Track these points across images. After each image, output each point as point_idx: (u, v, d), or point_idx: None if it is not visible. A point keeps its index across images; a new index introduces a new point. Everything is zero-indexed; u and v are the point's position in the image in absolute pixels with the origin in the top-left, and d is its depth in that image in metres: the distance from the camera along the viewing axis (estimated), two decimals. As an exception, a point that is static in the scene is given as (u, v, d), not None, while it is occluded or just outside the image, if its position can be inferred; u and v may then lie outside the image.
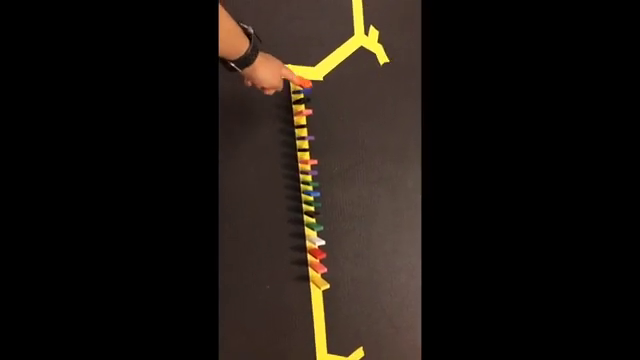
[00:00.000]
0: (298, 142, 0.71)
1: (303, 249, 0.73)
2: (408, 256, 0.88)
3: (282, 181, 0.71)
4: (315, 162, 0.68)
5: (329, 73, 0.74)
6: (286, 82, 0.68)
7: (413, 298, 0.89)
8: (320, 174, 0.73)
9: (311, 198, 0.69)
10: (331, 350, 0.76)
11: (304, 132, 0.69)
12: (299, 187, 0.72)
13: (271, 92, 0.54)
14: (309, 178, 0.69)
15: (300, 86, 0.60)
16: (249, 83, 0.52)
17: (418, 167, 0.87)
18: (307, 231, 0.73)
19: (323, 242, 0.70)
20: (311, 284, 0.74)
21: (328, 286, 0.70)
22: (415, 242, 0.88)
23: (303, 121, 0.70)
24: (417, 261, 0.89)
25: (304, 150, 0.70)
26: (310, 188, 0.68)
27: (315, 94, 0.72)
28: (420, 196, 0.88)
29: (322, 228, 0.70)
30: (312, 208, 0.70)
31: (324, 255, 0.69)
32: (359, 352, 0.81)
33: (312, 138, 0.68)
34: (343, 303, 0.78)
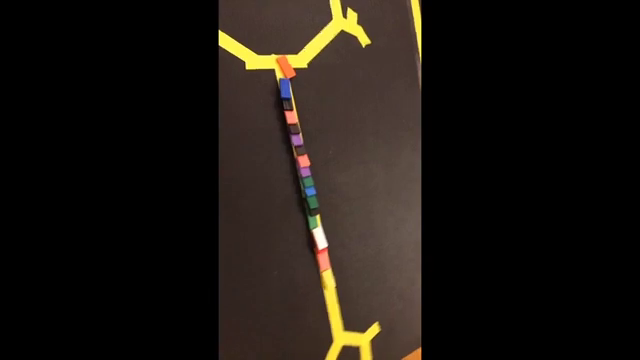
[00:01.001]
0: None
1: (308, 234, 0.75)
2: (410, 232, 0.89)
3: (283, 167, 0.73)
4: (307, 164, 0.70)
5: (313, 59, 0.76)
6: (270, 86, 0.69)
7: (420, 272, 0.91)
8: (315, 159, 0.74)
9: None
10: (347, 327, 0.78)
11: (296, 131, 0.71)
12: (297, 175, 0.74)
13: None
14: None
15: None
16: None
17: (409, 146, 0.89)
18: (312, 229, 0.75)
19: (326, 244, 0.72)
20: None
21: (334, 284, 0.72)
22: (415, 218, 0.90)
23: (294, 120, 0.71)
24: (420, 236, 0.90)
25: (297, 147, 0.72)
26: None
27: (301, 81, 0.73)
28: (414, 174, 0.90)
29: (317, 225, 0.72)
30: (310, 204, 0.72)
31: (324, 250, 0.71)
32: (375, 327, 0.83)
33: (300, 143, 0.70)
34: (353, 282, 0.80)
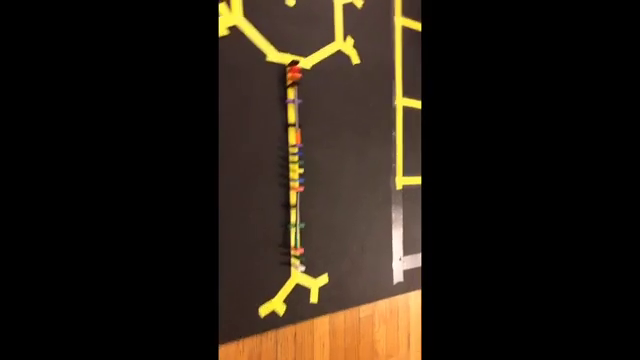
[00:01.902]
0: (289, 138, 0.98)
1: (287, 187, 0.98)
2: (367, 210, 1.13)
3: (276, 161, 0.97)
4: (301, 189, 0.96)
5: (315, 64, 1.03)
6: (281, 75, 0.96)
7: (370, 244, 1.14)
8: (306, 137, 0.99)
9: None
10: (304, 271, 0.99)
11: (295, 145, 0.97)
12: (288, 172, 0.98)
13: None
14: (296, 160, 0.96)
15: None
16: None
17: (378, 144, 1.16)
18: (292, 260, 0.99)
19: (304, 268, 0.98)
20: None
21: (304, 268, 0.97)
22: (375, 199, 1.14)
23: (293, 139, 0.98)
24: (376, 216, 1.14)
25: (294, 155, 0.97)
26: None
27: (304, 78, 1.00)
28: (379, 163, 1.16)
29: (304, 267, 0.99)
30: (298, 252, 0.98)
31: (302, 250, 0.97)
32: (324, 277, 1.04)
33: (301, 154, 0.96)
34: (314, 236, 1.02)
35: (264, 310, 0.94)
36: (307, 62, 1.02)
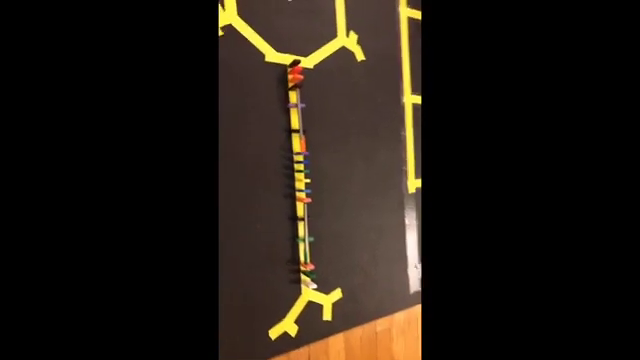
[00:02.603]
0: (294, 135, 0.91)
1: (293, 197, 0.91)
2: (378, 217, 1.06)
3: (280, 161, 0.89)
4: (308, 200, 0.88)
5: (318, 63, 0.95)
6: (282, 77, 0.88)
7: (384, 253, 1.06)
8: (311, 143, 0.92)
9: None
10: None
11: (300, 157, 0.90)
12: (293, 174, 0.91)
13: None
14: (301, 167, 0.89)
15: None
16: None
17: (387, 145, 1.08)
18: (302, 277, 0.92)
19: (315, 285, 0.89)
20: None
21: (315, 285, 0.89)
22: (385, 205, 1.07)
23: (298, 147, 0.90)
24: (388, 223, 1.07)
25: (299, 157, 0.89)
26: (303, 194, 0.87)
27: (307, 79, 0.92)
28: (388, 168, 1.08)
29: (315, 285, 0.90)
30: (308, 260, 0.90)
31: (312, 266, 0.89)
32: (337, 292, 0.97)
33: (307, 162, 0.88)
34: (324, 250, 0.95)
35: (275, 332, 0.87)
36: (309, 61, 0.94)
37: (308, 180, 0.91)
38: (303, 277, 0.90)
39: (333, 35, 0.98)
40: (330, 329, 0.96)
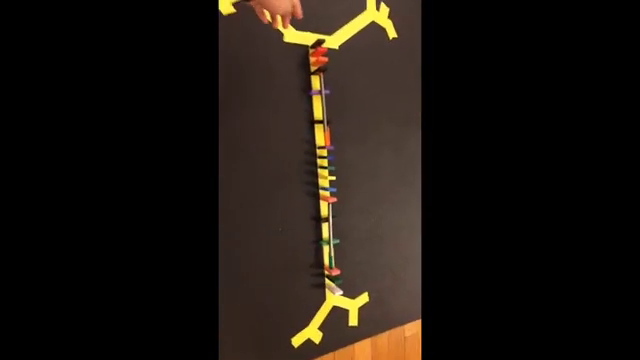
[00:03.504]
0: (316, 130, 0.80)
1: (316, 196, 0.82)
2: (409, 213, 0.96)
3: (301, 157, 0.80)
4: (333, 199, 0.79)
5: (344, 43, 0.83)
6: (303, 59, 0.77)
7: (414, 253, 0.98)
8: (335, 135, 0.82)
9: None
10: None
11: (323, 152, 0.80)
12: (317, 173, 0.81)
13: (286, 21, 0.55)
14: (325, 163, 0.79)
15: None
16: (263, 12, 0.55)
17: (418, 129, 0.96)
18: (327, 282, 0.84)
19: (341, 292, 0.80)
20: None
21: (341, 292, 0.80)
22: (416, 200, 0.97)
23: (321, 140, 0.80)
24: (417, 218, 0.97)
25: (322, 153, 0.79)
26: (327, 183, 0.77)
27: (331, 61, 0.80)
28: (419, 159, 0.97)
29: (341, 291, 0.81)
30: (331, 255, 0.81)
31: (338, 271, 0.80)
32: (364, 296, 0.90)
33: (332, 158, 0.79)
34: (350, 252, 0.87)
35: (298, 340, 0.81)
36: (333, 40, 0.82)
37: (333, 177, 0.81)
38: (328, 282, 0.83)
39: (361, 8, 0.85)
40: (356, 335, 0.90)
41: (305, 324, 0.82)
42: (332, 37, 0.82)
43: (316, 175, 0.82)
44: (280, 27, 0.58)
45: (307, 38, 0.78)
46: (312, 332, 0.83)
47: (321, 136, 0.80)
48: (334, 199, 0.79)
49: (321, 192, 0.82)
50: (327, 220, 0.81)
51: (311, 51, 0.78)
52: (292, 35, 0.77)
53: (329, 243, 0.81)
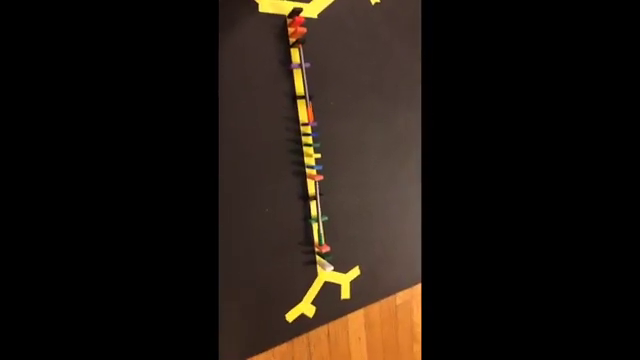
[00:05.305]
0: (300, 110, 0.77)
1: (303, 174, 0.81)
2: (399, 188, 0.96)
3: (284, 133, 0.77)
4: (320, 177, 0.77)
5: (323, 11, 0.79)
6: (280, 31, 0.72)
7: (404, 226, 0.99)
8: (318, 110, 0.79)
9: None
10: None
11: (308, 129, 0.77)
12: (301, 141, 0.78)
13: None
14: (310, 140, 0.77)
15: None
16: None
17: (408, 106, 0.94)
18: (318, 258, 0.83)
19: (332, 267, 0.80)
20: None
21: (332, 267, 0.80)
22: (406, 175, 0.96)
23: (304, 116, 0.76)
24: (409, 193, 0.97)
25: (306, 132, 0.76)
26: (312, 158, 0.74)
27: (310, 32, 0.76)
28: (409, 132, 0.95)
29: (332, 267, 0.80)
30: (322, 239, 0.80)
31: (328, 248, 0.80)
32: (355, 270, 0.92)
33: (316, 135, 0.76)
34: (340, 228, 0.87)
35: (291, 315, 0.83)
36: (312, 9, 0.77)
37: (318, 155, 0.80)
38: (318, 259, 0.84)
39: (340, -28, 0.79)
40: (349, 306, 0.92)
41: (298, 300, 0.84)
42: (310, 5, 0.77)
43: (302, 153, 0.80)
44: None
45: (284, 7, 0.73)
46: (305, 307, 0.85)
47: (304, 112, 0.78)
48: (320, 177, 0.78)
49: (307, 170, 0.80)
50: (315, 198, 0.81)
51: (289, 21, 0.74)
52: (268, 4, 0.72)
53: (318, 221, 0.81)
